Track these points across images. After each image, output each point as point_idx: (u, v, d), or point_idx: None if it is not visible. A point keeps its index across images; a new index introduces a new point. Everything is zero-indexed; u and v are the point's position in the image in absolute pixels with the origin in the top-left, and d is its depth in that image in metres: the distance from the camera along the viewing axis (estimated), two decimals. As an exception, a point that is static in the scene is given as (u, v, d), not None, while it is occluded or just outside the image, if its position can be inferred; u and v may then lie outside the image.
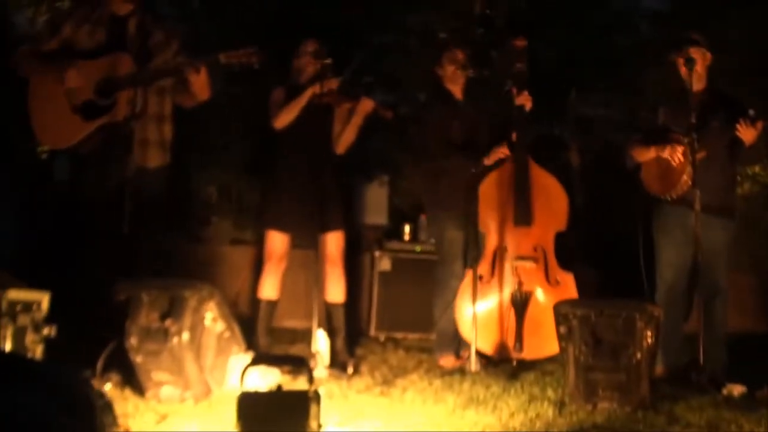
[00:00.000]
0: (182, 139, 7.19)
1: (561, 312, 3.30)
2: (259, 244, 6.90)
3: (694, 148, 4.29)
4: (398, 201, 7.98)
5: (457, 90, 5.17)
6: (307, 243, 4.97)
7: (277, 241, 4.92)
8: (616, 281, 7.28)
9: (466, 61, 5.06)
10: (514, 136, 4.93)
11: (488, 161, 4.85)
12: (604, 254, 7.88)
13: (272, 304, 5.01)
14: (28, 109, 4.27)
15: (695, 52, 4.67)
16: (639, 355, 3.09)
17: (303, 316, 5.71)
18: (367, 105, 4.78)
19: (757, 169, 9.10)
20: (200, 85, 4.19)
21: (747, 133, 4.36)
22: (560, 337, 3.34)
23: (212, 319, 3.30)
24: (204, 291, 3.26)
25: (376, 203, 7.24)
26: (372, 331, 6.32)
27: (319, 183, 4.59)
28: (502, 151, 4.81)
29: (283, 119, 4.87)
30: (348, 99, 4.80)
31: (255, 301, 5.04)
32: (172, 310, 3.21)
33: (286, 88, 4.96)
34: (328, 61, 4.71)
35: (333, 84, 4.75)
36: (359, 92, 4.83)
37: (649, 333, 3.16)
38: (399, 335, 6.29)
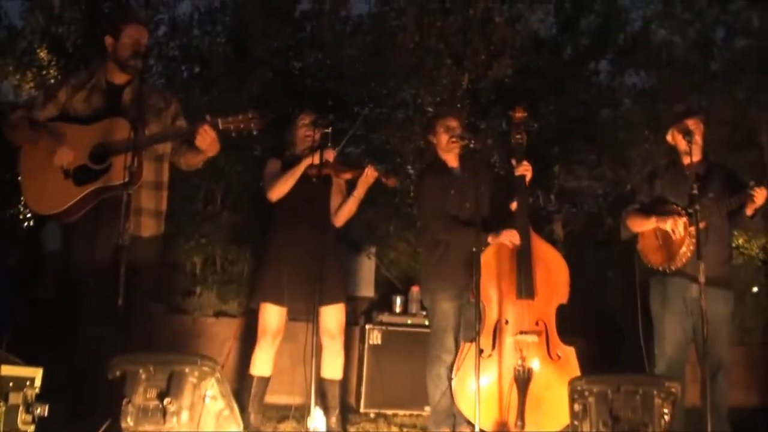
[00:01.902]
0: (168, 209, 7.22)
1: (576, 388, 3.19)
2: (248, 316, 6.84)
3: (696, 219, 4.26)
4: (386, 272, 7.91)
5: (451, 159, 5.12)
6: (301, 316, 4.84)
7: (273, 315, 4.79)
8: (605, 354, 7.23)
9: (460, 130, 5.02)
10: (513, 206, 4.88)
11: (493, 242, 4.77)
12: (595, 327, 7.84)
13: (265, 381, 4.86)
14: (19, 175, 4.16)
15: (693, 124, 4.68)
16: (658, 435, 2.99)
17: (289, 392, 5.58)
18: (371, 174, 4.73)
19: (741, 241, 9.17)
20: (210, 141, 4.10)
21: (761, 195, 4.34)
22: (573, 416, 3.22)
23: (212, 396, 3.14)
24: (205, 366, 3.11)
25: (364, 275, 7.17)
26: (362, 408, 6.16)
27: (318, 255, 4.45)
28: (511, 240, 4.72)
29: (279, 190, 4.82)
30: (350, 169, 4.76)
31: (247, 377, 4.86)
32: (171, 387, 3.06)
33: (282, 160, 4.91)
34: (327, 129, 4.67)
35: (329, 155, 4.70)
36: (361, 162, 4.77)
37: (665, 410, 3.06)
38: (390, 411, 6.14)
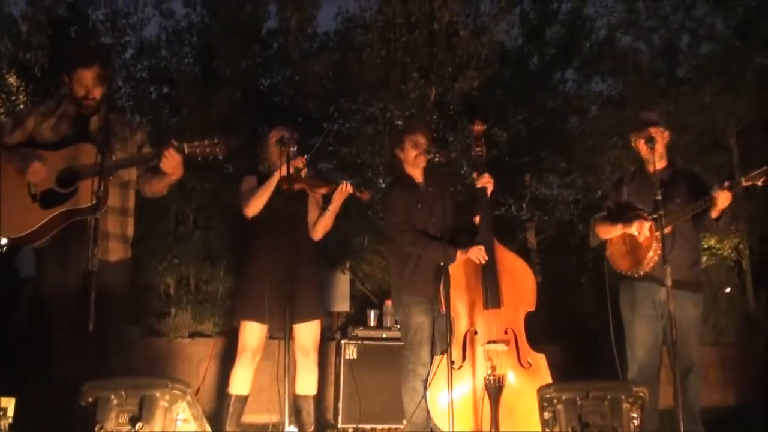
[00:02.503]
0: (139, 231, 7.21)
1: (545, 396, 3.21)
2: (225, 335, 6.87)
3: (661, 224, 4.31)
4: (361, 286, 7.95)
5: (417, 173, 5.15)
6: (279, 334, 4.78)
7: (253, 333, 4.75)
8: (582, 359, 7.29)
9: (428, 145, 5.05)
10: (477, 218, 4.92)
11: (462, 256, 4.81)
12: (568, 332, 7.90)
13: (243, 400, 4.81)
14: None
15: (655, 132, 4.75)
16: (627, 439, 3.02)
17: (267, 410, 5.56)
18: (346, 189, 4.75)
19: (713, 242, 9.30)
20: (175, 164, 4.11)
21: (723, 198, 4.40)
22: (544, 423, 3.25)
23: (184, 420, 3.15)
24: (176, 389, 3.12)
25: (339, 290, 7.19)
26: (340, 423, 6.16)
27: (294, 271, 4.44)
28: (476, 255, 4.75)
29: (254, 206, 4.80)
30: (325, 184, 4.76)
31: (225, 396, 4.85)
32: (143, 411, 3.06)
33: (257, 176, 4.92)
34: (293, 147, 4.67)
35: (298, 162, 4.69)
36: (335, 177, 4.79)
37: (634, 415, 3.09)
38: (368, 426, 6.14)
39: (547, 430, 3.26)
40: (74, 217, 4.05)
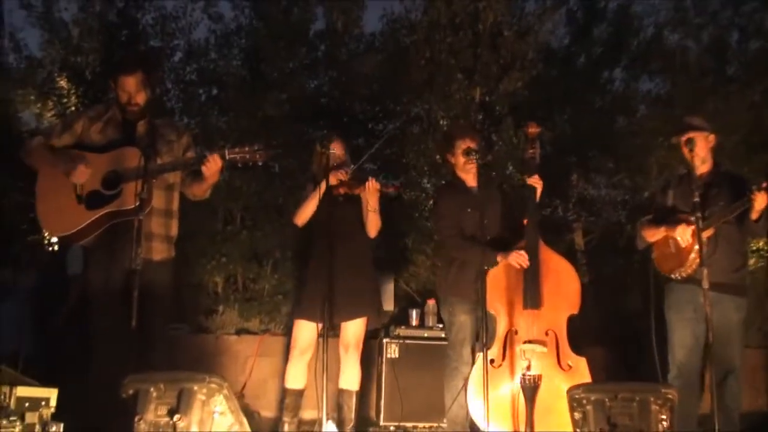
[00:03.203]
0: (188, 230, 7.36)
1: (575, 397, 3.24)
2: (273, 333, 7.08)
3: (698, 226, 4.31)
4: (405, 286, 7.99)
5: (469, 178, 5.21)
6: (332, 331, 4.96)
7: (303, 331, 4.97)
8: (627, 362, 7.25)
9: (478, 150, 5.11)
10: (525, 220, 4.96)
11: (502, 260, 4.85)
12: (615, 334, 7.85)
13: (298, 393, 5.01)
14: (35, 198, 4.31)
15: (695, 136, 4.74)
16: (655, 440, 3.03)
17: (315, 406, 5.66)
18: (372, 186, 4.84)
19: (761, 243, 9.14)
20: (215, 169, 4.26)
21: (761, 199, 4.38)
22: (575, 424, 3.28)
23: (221, 412, 3.25)
24: (213, 383, 3.22)
25: (383, 290, 7.23)
26: (382, 421, 6.24)
27: (344, 271, 4.71)
28: (522, 262, 4.78)
29: (301, 216, 5.05)
30: (357, 184, 4.86)
31: (270, 391, 5.02)
32: (181, 404, 3.17)
33: (312, 183, 5.05)
34: (333, 151, 4.79)
35: (341, 175, 4.82)
36: (365, 175, 4.90)
37: (664, 416, 3.10)
38: (409, 425, 6.21)
39: (578, 430, 3.29)
40: (118, 218, 4.21)
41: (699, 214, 4.30)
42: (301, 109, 8.18)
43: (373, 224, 5.04)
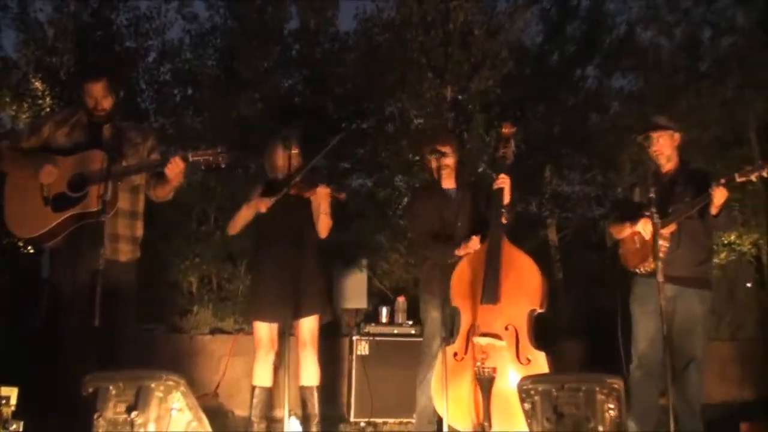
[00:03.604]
0: (163, 231, 7.41)
1: (524, 388, 3.32)
2: (246, 332, 7.03)
3: (654, 222, 4.39)
4: (378, 283, 8.07)
5: (445, 179, 5.27)
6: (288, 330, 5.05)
7: (262, 331, 5.07)
8: (601, 354, 7.33)
9: (453, 153, 5.22)
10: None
11: (459, 253, 4.95)
12: (589, 327, 7.93)
13: (266, 391, 5.08)
14: (3, 200, 4.36)
15: (659, 135, 4.83)
16: (601, 428, 3.11)
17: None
18: (323, 190, 4.92)
19: (732, 237, 9.26)
20: (178, 171, 4.32)
21: (719, 195, 4.47)
22: (525, 414, 3.35)
23: (179, 409, 3.31)
24: (170, 381, 3.28)
25: (355, 288, 7.31)
26: (352, 417, 6.30)
27: (296, 270, 4.78)
28: (472, 246, 4.88)
29: (233, 227, 5.22)
30: (307, 188, 4.94)
31: (244, 390, 5.10)
32: (138, 401, 3.23)
33: (264, 185, 5.12)
34: (295, 151, 4.89)
35: (263, 205, 4.93)
36: (317, 181, 4.97)
37: (611, 405, 3.18)
38: (379, 421, 6.28)
39: (529, 420, 3.36)
40: (84, 220, 4.25)
41: (654, 209, 4.38)
42: (275, 108, 8.23)
43: (324, 226, 5.11)
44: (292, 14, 8.95)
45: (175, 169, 4.30)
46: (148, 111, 8.47)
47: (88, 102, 4.46)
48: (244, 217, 5.10)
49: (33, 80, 8.25)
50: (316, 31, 8.90)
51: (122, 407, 3.25)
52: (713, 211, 4.59)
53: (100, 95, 4.43)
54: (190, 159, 4.29)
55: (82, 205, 4.26)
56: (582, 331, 7.91)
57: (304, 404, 5.00)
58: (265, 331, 5.07)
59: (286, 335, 4.48)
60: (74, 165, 4.34)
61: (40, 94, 8.21)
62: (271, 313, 4.98)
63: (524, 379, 3.42)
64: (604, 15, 10.22)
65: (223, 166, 4.31)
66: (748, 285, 9.22)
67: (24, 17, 8.36)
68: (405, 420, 6.16)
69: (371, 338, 6.43)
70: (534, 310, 4.75)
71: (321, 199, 4.99)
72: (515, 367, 4.53)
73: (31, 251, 7.25)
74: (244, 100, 8.14)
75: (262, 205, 4.95)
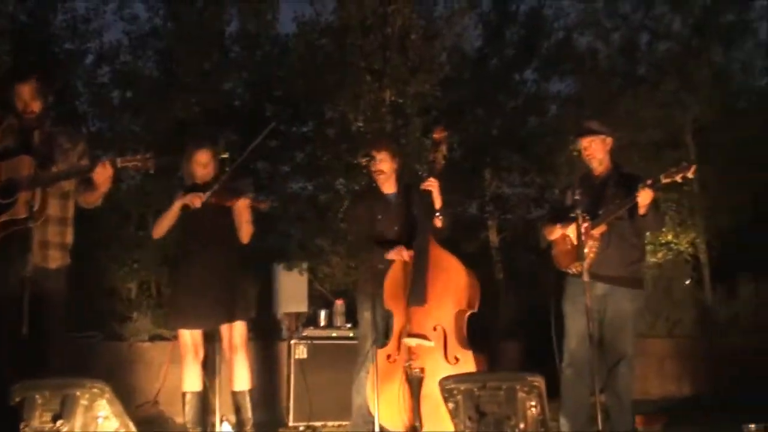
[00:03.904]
0: (101, 237, 7.33)
1: (446, 388, 3.37)
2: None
3: (578, 223, 4.50)
4: (320, 287, 8.09)
5: (384, 183, 5.31)
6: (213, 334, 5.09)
7: (186, 337, 5.01)
8: (539, 354, 7.45)
9: (389, 158, 5.24)
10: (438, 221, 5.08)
11: (388, 257, 5.00)
12: (528, 328, 8.04)
13: (197, 395, 5.03)
14: None
15: (591, 140, 4.94)
16: (522, 426, 3.17)
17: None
18: (243, 203, 4.95)
19: (670, 236, 9.48)
20: (106, 177, 4.27)
21: (644, 196, 4.58)
22: (450, 413, 3.41)
23: (105, 417, 3.30)
24: (95, 388, 3.27)
25: (296, 291, 7.31)
26: (291, 422, 6.30)
27: (219, 276, 4.82)
28: (402, 254, 4.93)
29: (158, 230, 5.14)
30: (230, 198, 4.95)
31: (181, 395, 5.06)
32: (64, 410, 3.21)
33: (184, 191, 5.10)
34: (225, 155, 4.90)
35: (196, 200, 4.89)
36: (239, 190, 4.99)
37: (532, 403, 3.25)
38: (318, 424, 6.29)
39: (454, 420, 3.42)
40: (12, 227, 4.18)
41: (579, 211, 4.48)
42: (214, 111, 8.20)
43: (246, 233, 5.08)
44: (232, 17, 8.94)
45: (103, 174, 4.26)
46: (86, 114, 8.37)
47: (18, 104, 4.40)
48: (171, 217, 5.02)
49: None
50: (256, 34, 8.88)
51: (48, 416, 3.23)
52: (641, 211, 4.70)
53: (28, 97, 4.38)
54: (119, 165, 4.26)
55: (11, 212, 4.20)
56: (522, 331, 8.03)
57: (237, 409, 4.99)
58: (189, 337, 5.01)
59: (215, 341, 4.48)
60: (4, 171, 4.29)
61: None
62: (197, 319, 4.94)
63: (446, 378, 3.47)
64: (543, 20, 10.39)
65: (151, 171, 4.30)
66: (686, 283, 9.43)
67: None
68: (344, 423, 6.17)
69: (309, 342, 6.44)
70: (463, 310, 4.81)
71: (242, 208, 5.00)
72: (444, 367, 4.56)
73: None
74: (182, 103, 8.09)
75: (197, 199, 4.89)
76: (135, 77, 8.52)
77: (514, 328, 8.24)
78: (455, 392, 3.32)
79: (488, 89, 9.56)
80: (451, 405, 3.36)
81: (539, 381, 3.26)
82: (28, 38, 8.30)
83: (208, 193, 4.85)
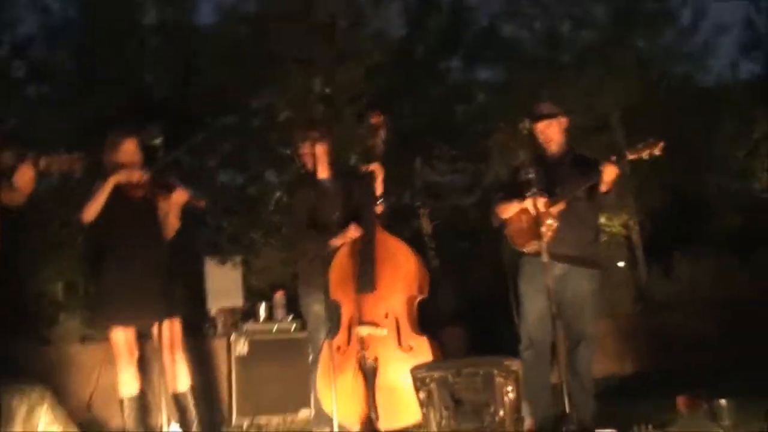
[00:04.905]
0: (23, 238, 6.96)
1: (418, 377, 3.25)
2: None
3: (535, 201, 4.45)
4: (255, 281, 7.86)
5: (320, 169, 5.18)
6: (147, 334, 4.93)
7: (121, 336, 4.81)
8: (483, 338, 7.42)
9: (325, 139, 5.14)
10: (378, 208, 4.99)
11: (337, 242, 4.89)
12: (468, 313, 8.02)
13: (136, 399, 4.83)
14: None
15: (547, 124, 4.91)
16: (501, 412, 3.07)
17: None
18: (180, 196, 4.76)
19: (603, 219, 9.57)
20: (28, 179, 3.98)
21: (609, 171, 4.55)
22: (421, 404, 3.28)
23: (48, 422, 3.10)
24: (34, 395, 3.06)
25: (230, 285, 7.08)
26: (234, 419, 6.13)
27: (149, 272, 4.63)
28: (350, 234, 4.84)
29: (88, 213, 4.75)
30: (161, 191, 4.75)
31: (119, 402, 4.82)
32: (2, 419, 2.99)
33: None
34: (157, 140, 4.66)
35: (137, 176, 4.68)
36: (174, 183, 4.78)
37: (509, 388, 3.15)
38: (263, 420, 6.12)
39: (425, 409, 3.30)
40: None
41: (535, 189, 4.44)
42: (135, 105, 7.88)
43: (172, 228, 4.91)
44: (149, 7, 8.62)
45: (24, 177, 3.98)
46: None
47: None
48: (102, 197, 4.69)
49: None
50: (175, 24, 8.57)
51: None
52: (603, 188, 4.69)
53: None
54: (42, 166, 3.99)
55: None
56: (462, 317, 7.98)
57: (182, 410, 4.81)
58: (123, 336, 4.80)
59: (160, 338, 4.27)
60: None
61: None
62: (133, 316, 4.75)
63: (417, 367, 3.36)
64: (467, 9, 10.33)
65: (77, 174, 4.04)
66: (620, 264, 9.55)
67: None
68: (290, 416, 6.03)
69: (250, 336, 6.27)
70: (414, 296, 4.73)
71: (174, 203, 4.80)
72: (398, 355, 4.48)
73: None
74: (102, 96, 7.75)
75: (137, 174, 4.66)
76: (51, 70, 8.12)
77: (453, 315, 8.18)
78: (428, 380, 3.21)
79: (415, 78, 9.45)
80: (422, 395, 3.24)
81: (516, 365, 3.17)
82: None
83: (148, 172, 4.62)
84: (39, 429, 3.06)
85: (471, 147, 9.49)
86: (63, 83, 8.04)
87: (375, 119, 5.09)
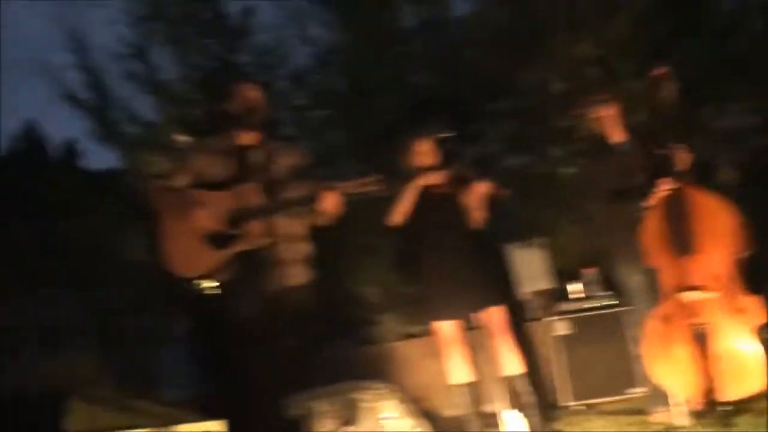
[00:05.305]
0: (335, 248, 7.32)
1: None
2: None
3: None
4: (562, 259, 7.70)
5: (613, 132, 5.20)
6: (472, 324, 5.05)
7: (445, 329, 4.97)
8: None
9: (606, 100, 5.23)
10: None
11: (651, 201, 4.68)
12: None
13: (466, 386, 4.93)
14: (163, 242, 4.25)
15: None
16: None
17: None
18: (479, 189, 4.73)
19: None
20: (332, 204, 4.10)
21: None
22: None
23: (396, 417, 3.20)
24: (380, 391, 3.16)
25: (537, 268, 6.97)
26: (563, 401, 6.02)
27: (462, 266, 4.82)
28: (663, 189, 4.60)
29: (396, 216, 5.05)
30: (461, 185, 4.82)
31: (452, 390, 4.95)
32: (349, 416, 3.12)
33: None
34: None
35: (436, 177, 4.85)
36: (471, 176, 4.79)
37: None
38: (594, 401, 5.97)
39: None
40: (246, 255, 4.11)
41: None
42: (409, 109, 8.05)
43: (477, 217, 5.04)
44: (405, 12, 8.75)
45: (330, 202, 4.10)
46: (291, 137, 8.42)
47: (238, 112, 4.29)
48: (408, 200, 4.98)
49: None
50: (432, 22, 8.64)
51: (334, 423, 3.17)
52: None
53: (255, 96, 4.31)
54: (344, 191, 4.08)
55: (242, 243, 4.13)
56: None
57: (516, 394, 4.81)
58: (447, 329, 4.96)
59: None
60: (229, 200, 4.19)
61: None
62: (453, 309, 4.91)
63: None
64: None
65: (383, 194, 4.14)
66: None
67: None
68: (620, 397, 5.81)
69: (567, 316, 6.16)
70: (736, 252, 4.37)
71: (475, 197, 4.91)
72: (728, 319, 4.12)
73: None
74: (378, 108, 7.99)
75: (436, 175, 4.92)
76: (327, 93, 8.50)
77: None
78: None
79: (689, 16, 8.78)
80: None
81: None
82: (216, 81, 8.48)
83: (445, 171, 4.72)
84: (391, 423, 3.15)
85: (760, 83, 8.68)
86: (340, 103, 8.31)
87: (656, 72, 4.77)
